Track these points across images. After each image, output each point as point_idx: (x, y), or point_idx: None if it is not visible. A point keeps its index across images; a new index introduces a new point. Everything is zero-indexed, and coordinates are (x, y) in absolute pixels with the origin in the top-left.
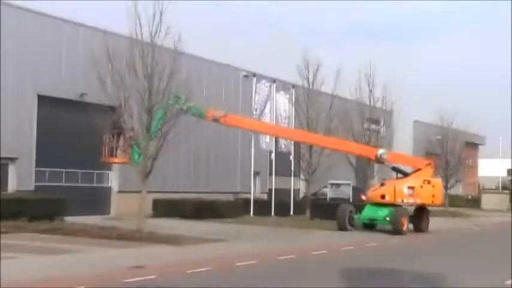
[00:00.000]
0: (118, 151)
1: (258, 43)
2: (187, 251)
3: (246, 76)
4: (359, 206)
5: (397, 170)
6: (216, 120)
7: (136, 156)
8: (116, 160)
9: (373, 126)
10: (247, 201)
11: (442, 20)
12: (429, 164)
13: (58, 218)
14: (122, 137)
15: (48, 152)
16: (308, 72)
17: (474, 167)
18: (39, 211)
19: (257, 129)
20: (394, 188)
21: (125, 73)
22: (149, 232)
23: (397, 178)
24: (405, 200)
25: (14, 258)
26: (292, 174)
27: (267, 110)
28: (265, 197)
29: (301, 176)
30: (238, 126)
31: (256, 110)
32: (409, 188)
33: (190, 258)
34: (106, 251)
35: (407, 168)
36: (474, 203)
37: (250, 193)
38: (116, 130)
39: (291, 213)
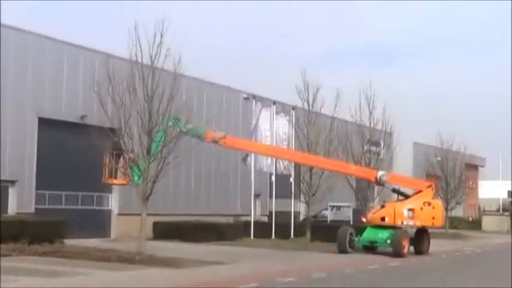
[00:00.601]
0: (118, 172)
1: (257, 64)
2: (187, 273)
3: (246, 98)
4: (359, 228)
5: (397, 192)
6: (215, 141)
7: (136, 178)
8: (115, 181)
9: (373, 148)
10: (248, 223)
11: (441, 42)
12: (430, 186)
13: (58, 240)
14: (121, 158)
15: (48, 174)
16: (308, 94)
17: (475, 189)
18: (39, 233)
19: (257, 150)
20: (394, 210)
21: (125, 95)
22: (149, 254)
23: (398, 200)
24: (405, 222)
25: (14, 281)
26: (293, 196)
27: (267, 132)
28: (265, 219)
29: (302, 198)
30: (237, 147)
31: (255, 131)
32: (409, 210)
33: (190, 280)
34: (106, 274)
35: (409, 191)
36: (475, 224)
37: (250, 215)
38: (116, 151)
39: (292, 235)
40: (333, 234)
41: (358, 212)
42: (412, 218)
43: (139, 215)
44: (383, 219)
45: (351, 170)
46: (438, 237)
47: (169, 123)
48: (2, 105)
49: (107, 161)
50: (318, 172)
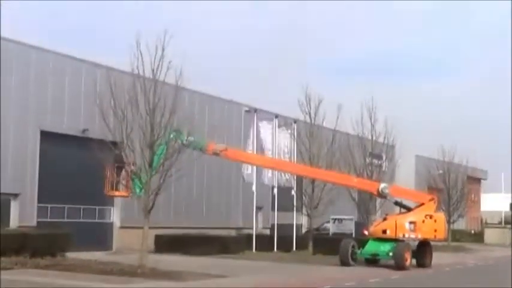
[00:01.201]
0: (120, 185)
1: (259, 78)
2: (188, 286)
3: (248, 111)
4: (361, 241)
5: (400, 204)
6: (216, 154)
7: (137, 190)
8: (116, 193)
9: (375, 161)
10: (250, 236)
11: (443, 56)
12: (432, 199)
13: (60, 253)
14: (123, 170)
15: (50, 187)
16: (309, 107)
17: (477, 202)
18: (41, 247)
19: (258, 163)
20: (396, 223)
21: (127, 108)
22: (151, 267)
23: (401, 213)
24: (406, 235)
25: None
26: (295, 209)
27: (269, 145)
28: (267, 232)
29: (304, 211)
30: (238, 160)
31: (257, 145)
32: (411, 222)
33: None
34: (107, 287)
35: (411, 203)
36: (477, 237)
37: (252, 228)
38: (118, 164)
39: (294, 248)
40: (335, 247)
41: (360, 225)
42: (413, 230)
43: (141, 227)
44: (384, 232)
45: (353, 182)
46: (441, 250)
47: (171, 136)
48: (5, 118)
49: (109, 174)
50: (320, 185)
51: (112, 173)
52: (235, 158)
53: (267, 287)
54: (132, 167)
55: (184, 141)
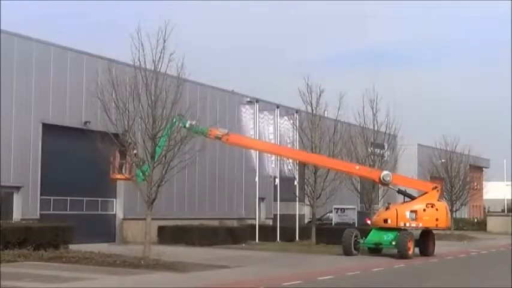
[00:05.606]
0: (123, 169)
1: (261, 69)
2: (192, 277)
3: (249, 102)
4: (364, 231)
5: (403, 193)
6: (218, 138)
7: (140, 175)
8: (117, 176)
9: (377, 151)
10: (253, 227)
11: (443, 44)
12: (436, 188)
13: (63, 245)
14: (126, 156)
15: (53, 180)
16: (311, 97)
17: (479, 190)
18: (44, 239)
19: (259, 148)
20: (396, 212)
21: (129, 100)
22: (154, 259)
23: (404, 202)
24: (407, 224)
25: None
26: (297, 199)
27: (271, 135)
28: (270, 222)
29: (306, 201)
30: (240, 144)
31: (259, 135)
32: (412, 211)
33: (195, 285)
34: (110, 279)
35: (415, 192)
36: (480, 226)
37: (255, 219)
38: (122, 148)
39: (297, 238)
40: (338, 236)
41: (362, 214)
42: (415, 219)
43: (144, 219)
44: (386, 221)
45: (355, 169)
46: (444, 238)
47: (174, 120)
48: (6, 111)
49: (112, 158)
50: (322, 175)
51: (115, 157)
52: (237, 143)
53: (271, 277)
54: (135, 151)
55: (187, 125)
